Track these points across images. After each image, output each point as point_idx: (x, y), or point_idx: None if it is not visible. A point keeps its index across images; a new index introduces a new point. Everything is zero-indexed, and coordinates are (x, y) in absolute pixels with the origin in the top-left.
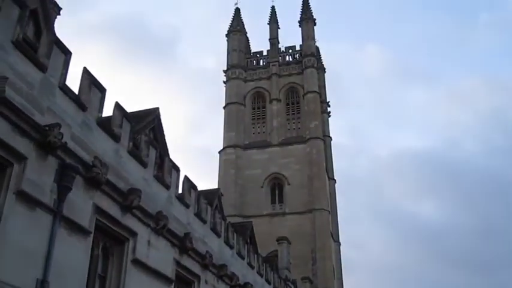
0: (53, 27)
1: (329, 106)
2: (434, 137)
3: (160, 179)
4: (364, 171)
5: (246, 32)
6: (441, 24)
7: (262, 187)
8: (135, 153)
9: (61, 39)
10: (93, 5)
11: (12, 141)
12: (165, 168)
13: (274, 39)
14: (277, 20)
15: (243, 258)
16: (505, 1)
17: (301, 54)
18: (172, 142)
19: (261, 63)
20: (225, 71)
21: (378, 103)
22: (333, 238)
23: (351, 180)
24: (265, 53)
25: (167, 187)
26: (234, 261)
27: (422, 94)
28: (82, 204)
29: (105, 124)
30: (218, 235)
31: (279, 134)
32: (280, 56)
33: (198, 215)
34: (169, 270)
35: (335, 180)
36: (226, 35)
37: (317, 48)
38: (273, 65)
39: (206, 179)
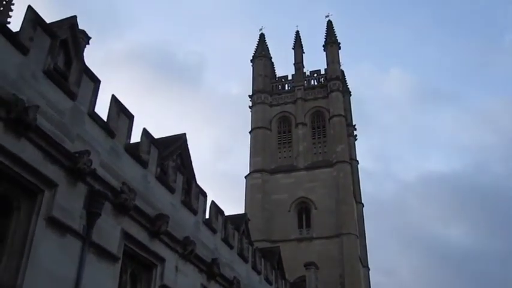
0: (83, 56)
1: (355, 129)
2: (461, 160)
3: (187, 204)
4: (392, 195)
5: (271, 57)
6: (466, 47)
7: (289, 211)
8: (162, 178)
9: (90, 67)
10: (120, 34)
11: (44, 169)
12: (192, 193)
13: (299, 64)
14: (301, 45)
15: (270, 284)
16: None
17: (326, 78)
18: (199, 167)
19: (286, 88)
20: (250, 96)
21: (404, 126)
22: (361, 263)
23: (378, 204)
24: (290, 78)
25: (194, 212)
26: (261, 287)
27: (449, 117)
28: (110, 230)
29: (133, 150)
30: (245, 260)
31: (305, 158)
32: (306, 80)
33: (225, 240)
34: None
35: (363, 204)
36: (251, 61)
37: (342, 71)
38: (298, 89)
39: (233, 204)
